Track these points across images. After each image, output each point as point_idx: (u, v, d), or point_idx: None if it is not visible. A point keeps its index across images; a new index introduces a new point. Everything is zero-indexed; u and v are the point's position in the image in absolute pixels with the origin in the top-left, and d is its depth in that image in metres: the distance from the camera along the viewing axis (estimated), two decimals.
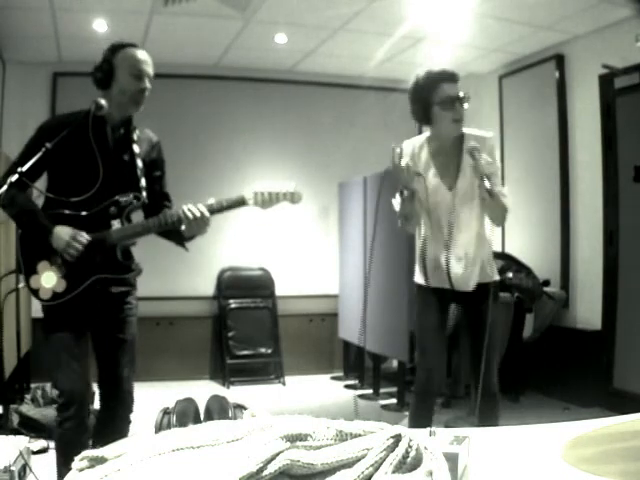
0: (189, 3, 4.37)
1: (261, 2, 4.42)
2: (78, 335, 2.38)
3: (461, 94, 2.69)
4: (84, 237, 2.33)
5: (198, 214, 2.36)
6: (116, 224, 2.40)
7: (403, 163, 2.65)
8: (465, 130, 2.78)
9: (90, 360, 2.49)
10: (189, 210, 2.36)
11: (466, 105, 2.71)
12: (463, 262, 2.78)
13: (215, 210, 2.41)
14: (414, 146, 2.84)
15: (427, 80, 2.71)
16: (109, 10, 4.53)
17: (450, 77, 2.71)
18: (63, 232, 2.31)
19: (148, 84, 2.41)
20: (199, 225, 2.38)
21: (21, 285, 2.52)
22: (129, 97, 2.38)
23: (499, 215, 2.72)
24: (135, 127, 2.51)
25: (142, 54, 2.43)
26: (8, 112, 5.32)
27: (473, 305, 2.87)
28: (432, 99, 2.69)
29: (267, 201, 2.44)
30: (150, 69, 2.43)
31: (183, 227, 2.40)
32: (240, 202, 2.43)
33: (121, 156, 2.45)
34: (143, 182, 2.48)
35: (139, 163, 2.48)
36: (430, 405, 2.87)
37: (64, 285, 2.35)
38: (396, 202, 2.78)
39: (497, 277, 2.87)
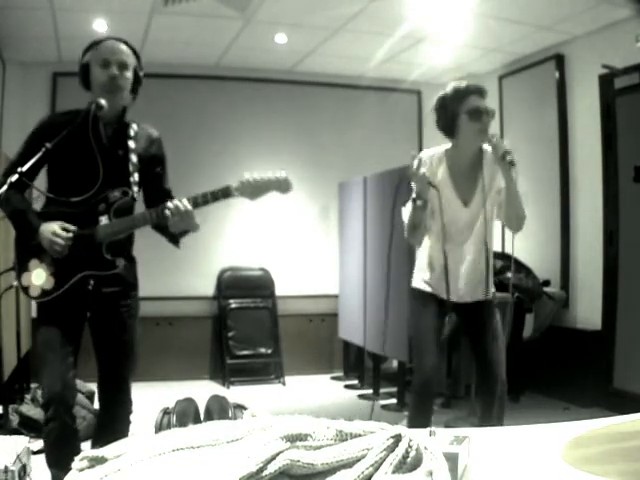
0: (189, 3, 4.37)
1: (261, 2, 4.42)
2: (66, 334, 2.35)
3: (488, 107, 2.75)
4: (66, 229, 2.31)
5: (182, 208, 2.31)
6: (104, 220, 2.38)
7: (421, 172, 2.66)
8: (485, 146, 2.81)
9: (88, 360, 2.50)
10: (172, 204, 2.32)
11: (492, 120, 2.76)
12: (471, 276, 2.84)
13: (200, 203, 2.33)
14: (432, 158, 2.84)
15: (456, 92, 2.76)
16: (109, 10, 4.53)
17: (479, 91, 2.77)
18: (46, 230, 2.30)
19: (115, 71, 2.36)
20: (183, 219, 2.33)
21: (15, 283, 2.52)
22: (100, 88, 2.36)
23: (518, 218, 2.75)
24: (131, 122, 2.49)
25: (111, 44, 2.41)
26: (8, 112, 5.32)
27: (472, 316, 2.90)
28: (460, 109, 2.73)
29: (254, 190, 2.34)
30: (120, 56, 2.39)
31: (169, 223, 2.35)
32: (225, 192, 2.33)
33: (115, 152, 2.43)
34: (135, 177, 2.45)
35: (133, 158, 2.45)
36: (429, 406, 2.88)
37: (52, 282, 2.35)
38: (406, 211, 2.79)
39: (493, 290, 2.94)
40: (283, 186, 2.36)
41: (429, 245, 2.91)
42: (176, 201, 2.33)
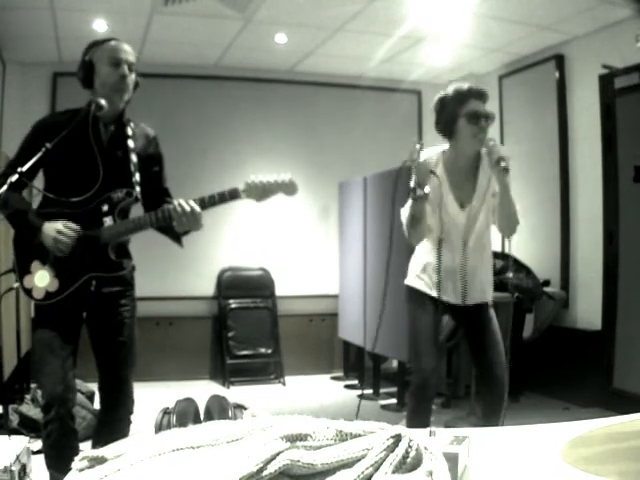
0: (189, 3, 4.37)
1: (261, 2, 4.42)
2: (65, 336, 2.35)
3: (488, 112, 2.74)
4: (71, 228, 2.30)
5: (188, 209, 2.30)
6: (108, 221, 2.37)
7: (421, 160, 2.64)
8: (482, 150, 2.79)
9: (88, 361, 2.49)
10: (179, 205, 2.31)
11: (491, 125, 2.74)
12: (467, 279, 2.82)
13: (207, 204, 2.34)
14: (430, 159, 2.82)
15: (457, 94, 2.74)
16: (109, 10, 4.53)
17: (480, 94, 2.75)
18: (50, 229, 2.29)
19: (126, 70, 2.37)
20: (190, 221, 2.32)
21: (15, 285, 2.52)
22: (110, 87, 2.35)
23: (510, 223, 2.75)
24: (129, 121, 2.48)
25: (119, 44, 2.40)
26: (8, 112, 5.32)
27: (470, 319, 2.89)
28: (459, 112, 2.71)
29: (261, 192, 2.35)
30: (129, 57, 2.39)
31: (175, 223, 2.34)
32: (233, 194, 2.35)
33: (115, 152, 2.42)
34: (137, 177, 2.44)
35: (133, 158, 2.44)
36: (427, 407, 2.87)
37: (57, 284, 2.33)
38: (404, 210, 2.76)
39: (491, 297, 2.92)
40: (290, 189, 2.38)
41: (425, 246, 2.88)
42: (182, 201, 2.32)
